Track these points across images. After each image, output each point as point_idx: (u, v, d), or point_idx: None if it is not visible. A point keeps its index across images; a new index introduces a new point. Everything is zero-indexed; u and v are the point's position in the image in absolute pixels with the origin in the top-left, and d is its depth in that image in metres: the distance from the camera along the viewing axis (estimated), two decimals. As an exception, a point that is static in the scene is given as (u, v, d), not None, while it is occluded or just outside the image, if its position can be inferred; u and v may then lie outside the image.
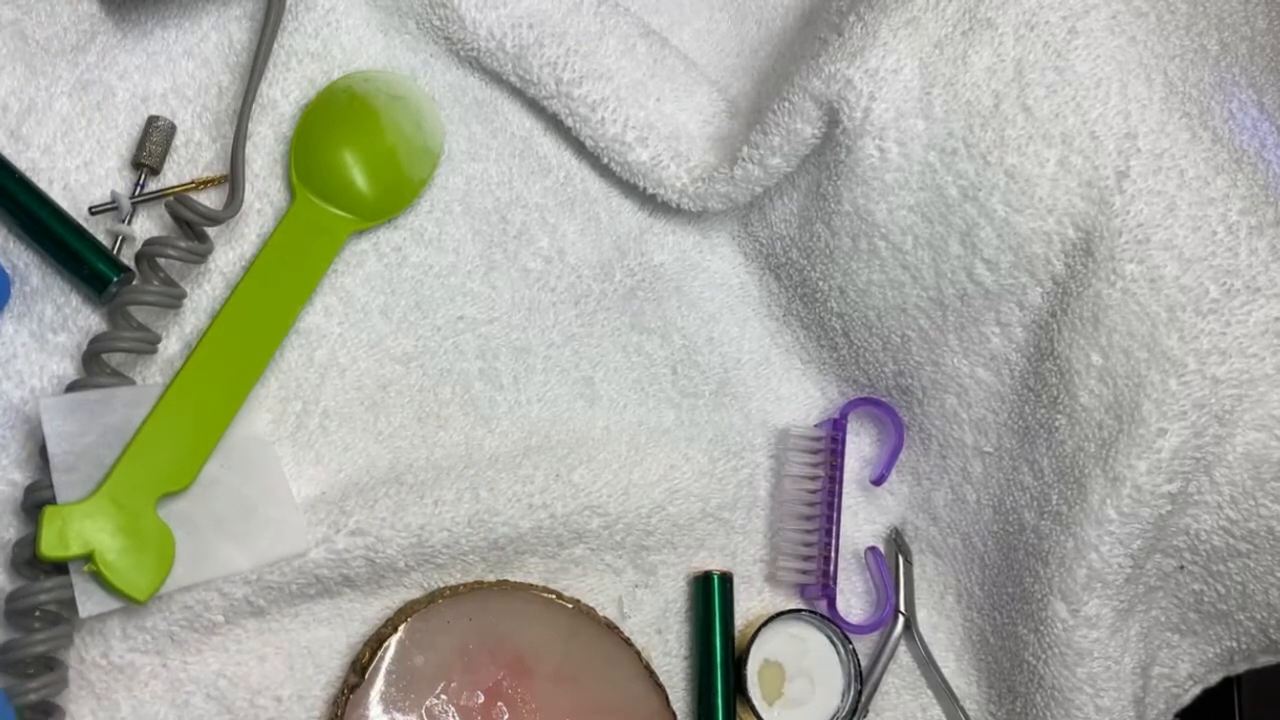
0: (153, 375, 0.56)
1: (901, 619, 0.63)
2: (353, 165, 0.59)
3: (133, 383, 0.55)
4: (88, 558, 0.51)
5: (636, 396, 0.62)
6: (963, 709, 0.62)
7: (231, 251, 0.58)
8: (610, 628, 0.58)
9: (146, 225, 0.57)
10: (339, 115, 0.59)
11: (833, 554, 0.62)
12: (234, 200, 0.56)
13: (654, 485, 0.60)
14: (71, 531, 0.50)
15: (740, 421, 0.64)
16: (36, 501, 0.52)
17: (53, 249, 0.55)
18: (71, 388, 0.54)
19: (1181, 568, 0.57)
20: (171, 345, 0.56)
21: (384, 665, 0.55)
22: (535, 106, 0.61)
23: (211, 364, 0.55)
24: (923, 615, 0.63)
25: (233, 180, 0.57)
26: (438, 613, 0.56)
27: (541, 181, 0.62)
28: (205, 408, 0.54)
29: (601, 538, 0.59)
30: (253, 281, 0.56)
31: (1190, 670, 0.61)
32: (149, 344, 0.55)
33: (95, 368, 0.54)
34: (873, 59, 0.55)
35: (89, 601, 0.51)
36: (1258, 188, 0.54)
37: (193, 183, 0.58)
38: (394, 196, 0.60)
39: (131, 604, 0.52)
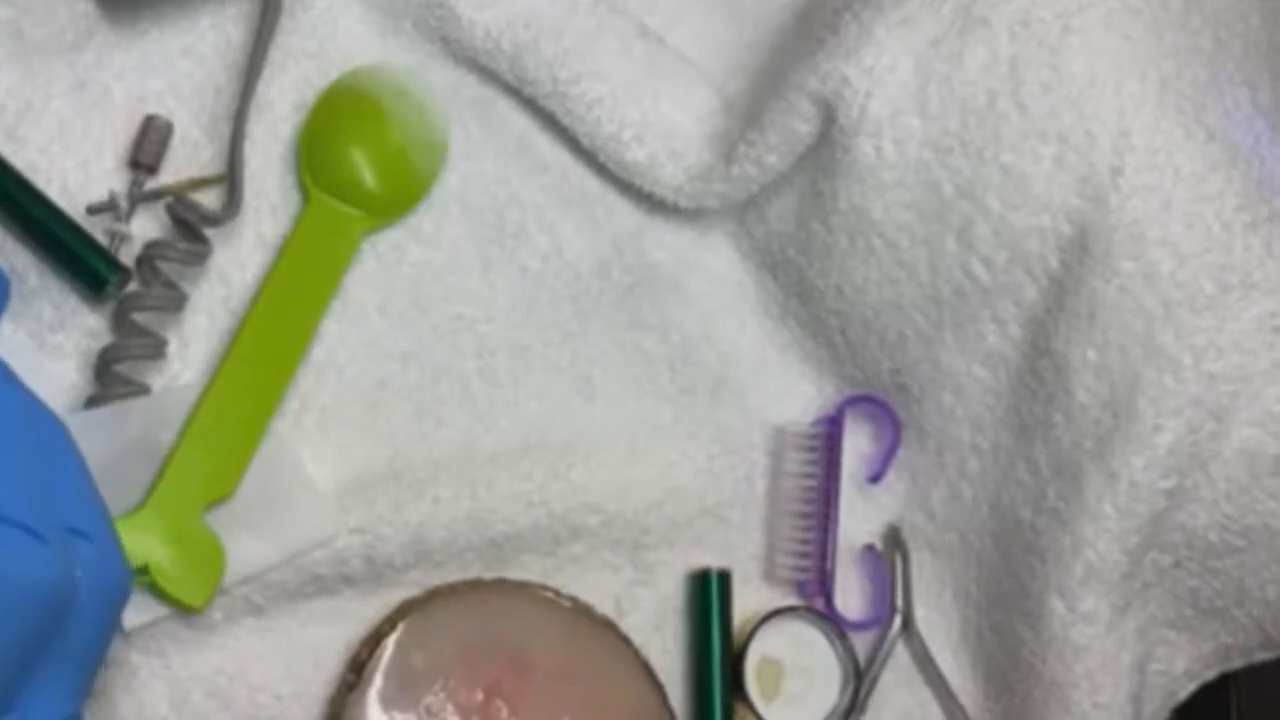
0: (159, 379, 0.56)
1: (899, 616, 0.63)
2: (364, 163, 0.59)
3: (148, 390, 0.55)
4: (142, 570, 0.52)
5: (634, 394, 0.62)
6: (960, 706, 0.62)
7: (228, 251, 0.57)
8: (608, 625, 0.58)
9: (144, 225, 0.57)
10: (346, 113, 0.59)
11: (830, 551, 0.62)
12: (234, 201, 0.56)
13: (652, 483, 0.60)
14: (124, 546, 0.51)
15: (738, 419, 0.63)
16: None
17: (50, 248, 0.55)
18: (90, 402, 0.54)
19: (1178, 564, 0.58)
20: (173, 347, 0.56)
21: (382, 663, 0.55)
22: (532, 105, 0.61)
23: (243, 371, 0.55)
24: (920, 612, 0.63)
25: (232, 181, 0.57)
26: (436, 611, 0.56)
27: (538, 180, 0.62)
28: (241, 415, 0.55)
29: (599, 535, 0.59)
30: (275, 287, 0.56)
31: (1187, 666, 0.61)
32: (157, 349, 0.55)
33: (109, 379, 0.54)
34: (868, 57, 0.55)
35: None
36: (1252, 184, 0.54)
37: (190, 181, 0.57)
38: (405, 193, 0.60)
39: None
